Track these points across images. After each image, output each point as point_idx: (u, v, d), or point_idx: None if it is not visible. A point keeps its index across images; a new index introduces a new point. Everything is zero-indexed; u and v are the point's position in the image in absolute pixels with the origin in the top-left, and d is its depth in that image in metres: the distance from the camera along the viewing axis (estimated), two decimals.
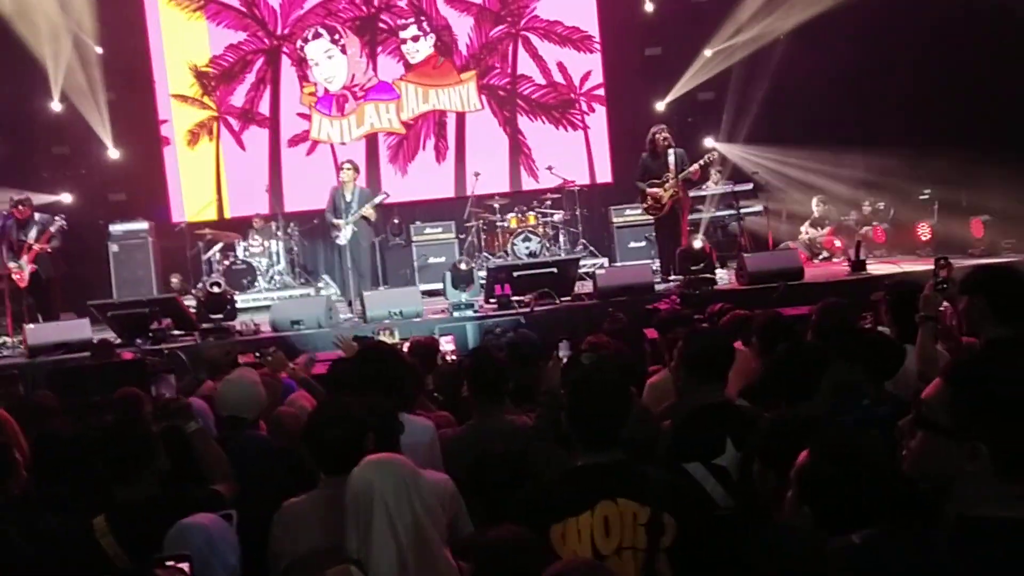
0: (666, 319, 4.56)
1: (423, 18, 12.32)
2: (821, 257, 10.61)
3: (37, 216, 8.89)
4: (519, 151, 12.44)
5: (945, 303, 4.01)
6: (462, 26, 12.39)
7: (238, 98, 12.23)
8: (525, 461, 2.66)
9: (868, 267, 8.53)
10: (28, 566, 2.50)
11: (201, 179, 12.18)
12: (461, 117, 12.47)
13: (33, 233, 8.74)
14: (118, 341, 7.70)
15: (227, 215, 12.01)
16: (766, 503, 2.40)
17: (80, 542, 2.45)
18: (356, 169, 9.35)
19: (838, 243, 10.54)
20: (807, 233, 10.87)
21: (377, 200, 9.11)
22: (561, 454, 2.89)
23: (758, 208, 10.30)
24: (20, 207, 8.76)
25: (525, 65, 12.51)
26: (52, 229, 8.73)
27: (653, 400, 3.89)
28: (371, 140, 12.36)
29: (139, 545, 2.26)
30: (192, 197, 12.13)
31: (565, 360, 3.79)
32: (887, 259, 9.77)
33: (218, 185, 12.17)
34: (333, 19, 12.22)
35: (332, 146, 12.24)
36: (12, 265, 8.70)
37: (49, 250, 8.75)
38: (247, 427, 3.27)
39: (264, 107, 12.30)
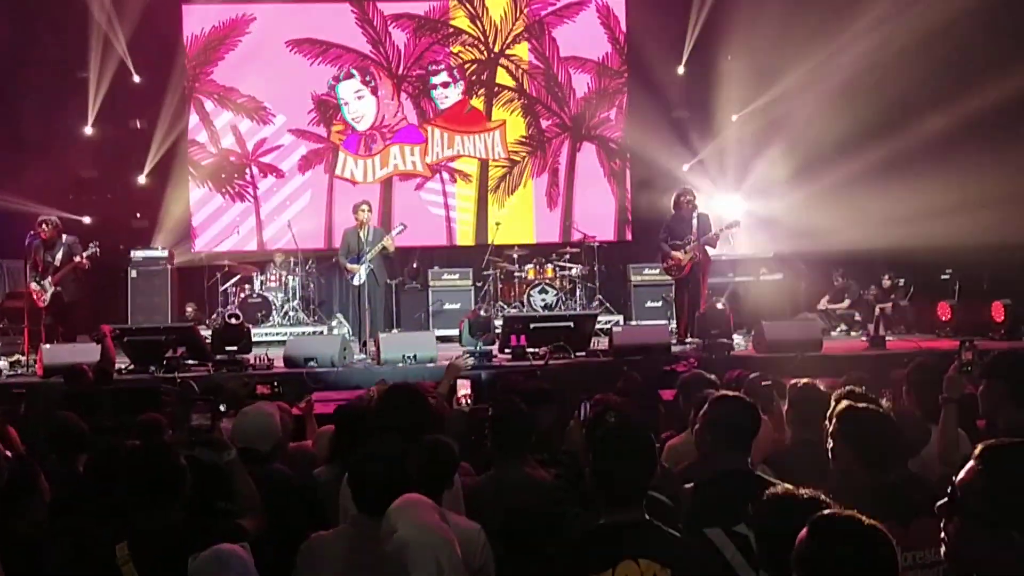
0: (690, 381, 4.50)
1: (454, 67, 12.54)
2: (839, 330, 10.56)
3: (64, 237, 8.92)
4: (541, 204, 12.54)
5: None
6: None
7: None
8: (555, 517, 2.61)
9: (887, 343, 8.46)
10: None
11: (221, 210, 12.30)
12: (485, 164, 12.59)
13: (60, 255, 8.77)
14: (131, 366, 7.70)
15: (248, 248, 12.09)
16: None
17: (108, 563, 2.41)
18: (371, 209, 9.38)
19: (857, 317, 10.49)
20: (826, 304, 10.83)
21: (396, 231, 9.14)
22: (584, 515, 2.85)
23: (778, 276, 10.28)
24: (46, 227, 8.78)
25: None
26: (86, 254, 8.73)
27: (672, 463, 3.83)
28: (387, 183, 12.48)
29: (165, 572, 2.22)
30: (213, 228, 12.23)
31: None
32: (907, 337, 9.70)
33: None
34: (366, 62, 12.45)
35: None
36: (34, 286, 8.70)
37: (85, 265, 8.74)
38: (263, 459, 3.24)
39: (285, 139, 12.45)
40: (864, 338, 9.23)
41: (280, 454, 3.43)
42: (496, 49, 12.56)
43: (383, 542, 2.16)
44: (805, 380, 4.16)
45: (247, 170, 12.34)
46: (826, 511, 1.95)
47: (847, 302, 10.81)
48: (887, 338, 8.69)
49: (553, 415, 4.04)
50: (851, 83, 10.45)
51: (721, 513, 2.90)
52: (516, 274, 11.03)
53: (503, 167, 12.59)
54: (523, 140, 12.61)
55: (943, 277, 10.34)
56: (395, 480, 2.53)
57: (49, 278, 8.71)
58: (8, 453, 3.20)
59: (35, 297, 8.71)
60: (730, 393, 3.36)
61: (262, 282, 10.99)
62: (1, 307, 10.15)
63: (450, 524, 2.23)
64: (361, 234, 8.99)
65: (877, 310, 10.04)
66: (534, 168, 12.59)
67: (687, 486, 3.19)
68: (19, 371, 8.12)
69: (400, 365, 7.66)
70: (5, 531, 2.60)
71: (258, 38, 12.22)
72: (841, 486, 2.68)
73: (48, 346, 7.93)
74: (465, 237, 12.46)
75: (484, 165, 12.58)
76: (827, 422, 3.18)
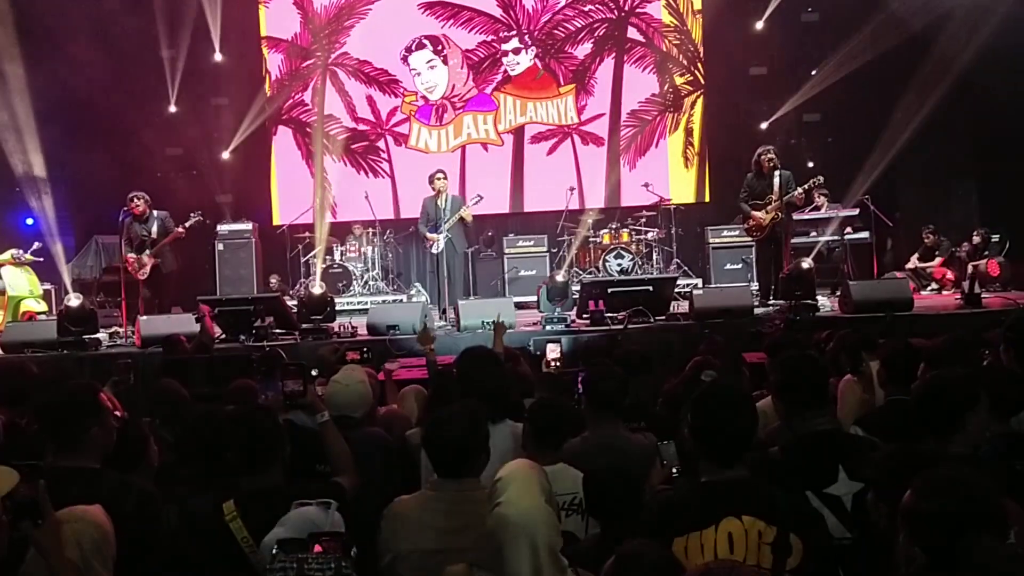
0: (779, 342, 4.42)
1: (525, 32, 12.44)
2: (929, 288, 10.18)
3: (155, 212, 9.25)
4: (614, 167, 12.39)
5: None
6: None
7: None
8: (642, 477, 2.62)
9: (982, 300, 8.12)
10: (169, 535, 2.61)
11: (302, 184, 12.57)
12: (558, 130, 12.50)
13: (154, 228, 9.11)
14: (221, 336, 8.00)
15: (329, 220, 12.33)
16: (882, 536, 2.30)
17: (215, 522, 2.53)
18: (446, 177, 9.44)
19: (949, 275, 10.09)
20: (915, 263, 10.45)
21: (473, 202, 9.21)
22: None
23: (864, 235, 9.95)
24: (137, 202, 9.06)
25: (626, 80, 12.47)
26: (188, 224, 9.08)
27: (759, 425, 3.78)
28: (462, 151, 12.54)
29: (265, 532, 2.31)
30: (294, 201, 12.52)
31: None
32: (1002, 294, 9.29)
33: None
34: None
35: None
36: (132, 257, 9.07)
37: (183, 233, 9.08)
38: (356, 425, 3.33)
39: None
40: (957, 296, 8.88)
41: (371, 418, 3.53)
42: (626, 8, 12.41)
43: (485, 510, 2.19)
44: (899, 340, 4.06)
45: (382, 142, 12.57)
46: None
47: (938, 260, 10.40)
48: (982, 296, 8.33)
49: (650, 383, 4.03)
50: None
51: (811, 475, 2.86)
52: (591, 239, 10.96)
53: (633, 127, 12.44)
54: (654, 97, 12.42)
55: None
56: (468, 443, 2.57)
57: (147, 251, 9.07)
58: (119, 414, 3.38)
59: (130, 269, 9.08)
60: (795, 352, 3.29)
61: (342, 252, 11.21)
62: (99, 281, 10.63)
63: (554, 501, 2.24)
64: (439, 202, 9.07)
65: (970, 267, 9.63)
66: (669, 126, 12.43)
67: (772, 449, 3.16)
68: (118, 342, 8.51)
69: (480, 331, 7.74)
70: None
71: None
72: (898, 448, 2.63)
73: (145, 317, 8.26)
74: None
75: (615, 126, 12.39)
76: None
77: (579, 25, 12.41)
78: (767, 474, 3.03)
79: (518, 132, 12.51)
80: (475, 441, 2.59)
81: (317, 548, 2.02)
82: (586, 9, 12.40)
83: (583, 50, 12.43)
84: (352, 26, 12.45)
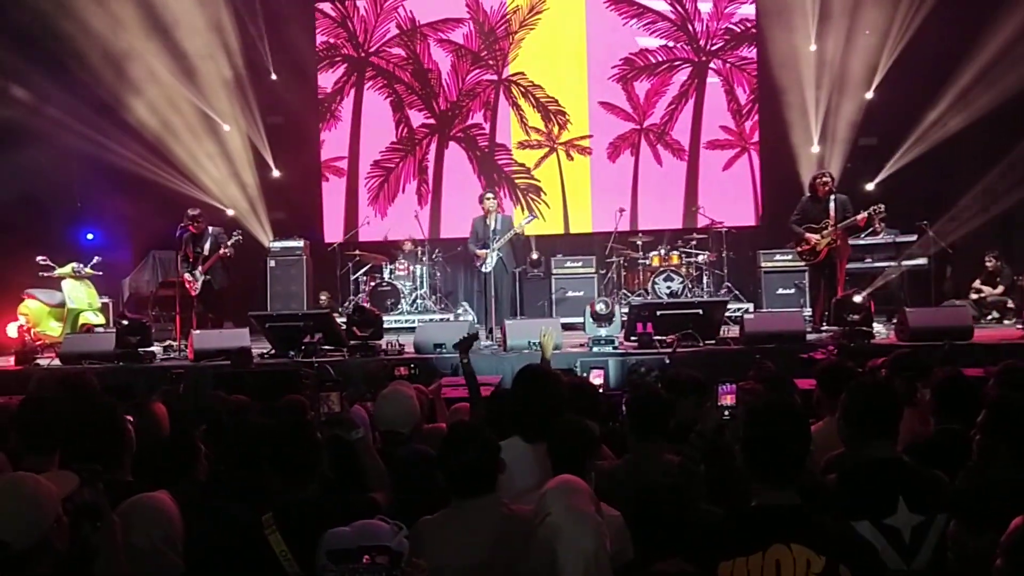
0: (830, 369, 4.32)
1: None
2: (991, 317, 9.87)
3: (211, 229, 9.53)
4: (667, 189, 12.32)
5: None
6: None
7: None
8: (691, 497, 2.57)
9: None
10: (209, 545, 2.63)
11: (353, 203, 12.73)
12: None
13: (207, 246, 9.38)
14: (271, 351, 8.12)
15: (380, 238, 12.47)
16: (962, 569, 2.21)
17: (255, 532, 2.55)
18: (496, 197, 9.48)
19: (1010, 303, 9.77)
20: (979, 291, 10.14)
21: (526, 221, 9.25)
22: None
23: (922, 261, 9.70)
24: (197, 222, 9.39)
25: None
26: (230, 243, 9.32)
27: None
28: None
29: (303, 545, 2.32)
30: (343, 219, 12.68)
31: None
32: None
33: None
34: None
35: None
36: (187, 275, 9.35)
37: (230, 254, 9.30)
38: (404, 440, 3.34)
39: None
40: (1020, 326, 8.59)
41: (419, 434, 3.54)
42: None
43: (535, 523, 2.17)
44: (951, 368, 3.94)
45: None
46: None
47: (1000, 288, 10.09)
48: None
49: (695, 406, 3.96)
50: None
51: (869, 505, 2.78)
52: (640, 261, 10.89)
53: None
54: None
55: None
56: (483, 461, 2.60)
57: (200, 267, 9.31)
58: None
59: (188, 286, 9.33)
60: (869, 379, 3.21)
61: (391, 270, 11.31)
62: (155, 295, 10.89)
63: (602, 513, 2.23)
64: (488, 221, 9.12)
65: None
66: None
67: (830, 476, 3.07)
68: (172, 355, 8.69)
69: (526, 351, 7.72)
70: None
71: None
72: (983, 479, 2.54)
73: (199, 332, 8.45)
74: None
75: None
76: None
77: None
78: (822, 502, 2.95)
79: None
80: (488, 462, 2.62)
81: (366, 559, 2.01)
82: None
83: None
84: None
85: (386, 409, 3.48)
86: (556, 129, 12.44)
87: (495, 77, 12.57)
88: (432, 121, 12.66)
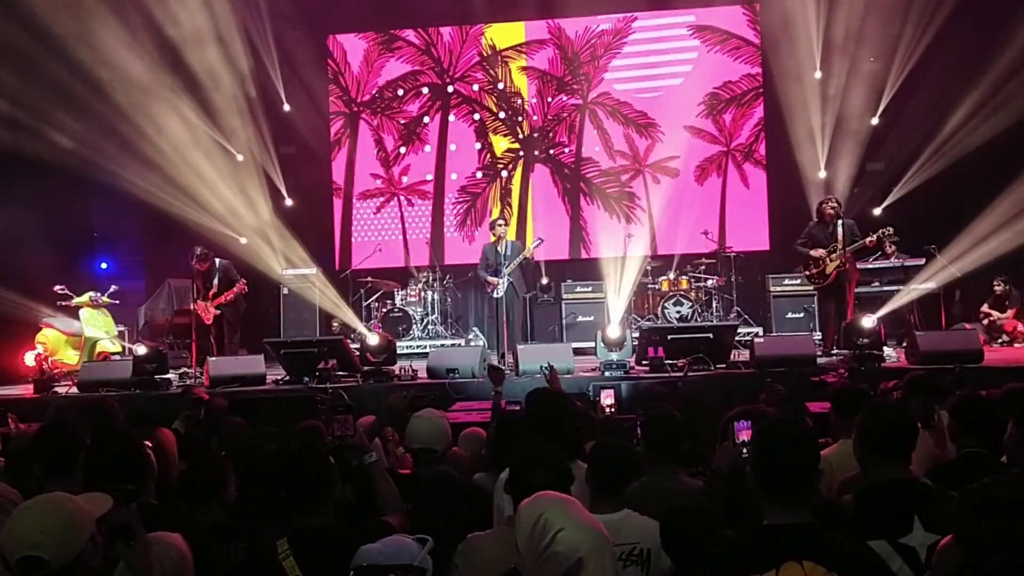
0: (844, 392, 4.36)
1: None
2: (1000, 341, 9.88)
3: (218, 262, 9.64)
4: (675, 214, 12.42)
5: None
6: None
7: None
8: (710, 520, 2.60)
9: None
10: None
11: (367, 230, 12.85)
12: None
13: (216, 280, 9.51)
14: (285, 377, 8.17)
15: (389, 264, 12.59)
16: None
17: (273, 558, 2.57)
18: (507, 224, 9.58)
19: (1020, 327, 9.79)
20: (988, 315, 10.16)
21: (534, 245, 9.32)
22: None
23: (931, 285, 9.74)
24: (202, 261, 9.49)
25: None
26: (234, 290, 9.43)
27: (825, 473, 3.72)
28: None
29: (318, 571, 2.35)
30: (356, 247, 12.81)
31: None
32: None
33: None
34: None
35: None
36: (201, 304, 9.48)
37: (244, 291, 9.44)
38: (437, 460, 3.42)
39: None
40: None
41: (446, 457, 3.62)
42: None
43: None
44: (970, 390, 3.96)
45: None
46: None
47: (1009, 312, 10.10)
48: None
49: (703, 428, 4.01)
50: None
51: (885, 525, 2.82)
52: (649, 286, 10.94)
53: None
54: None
55: None
56: (555, 481, 2.57)
57: (210, 301, 9.45)
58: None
59: (202, 315, 9.43)
60: (884, 400, 3.26)
61: (403, 296, 11.40)
62: (170, 323, 10.99)
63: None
64: (499, 248, 9.21)
65: None
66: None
67: (846, 497, 3.11)
68: (187, 382, 8.77)
69: (538, 375, 7.76)
70: (191, 527, 2.81)
71: None
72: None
73: (214, 359, 8.54)
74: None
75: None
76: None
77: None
78: (836, 521, 2.99)
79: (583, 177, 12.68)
80: (563, 482, 2.60)
81: None
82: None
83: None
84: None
85: (421, 427, 3.59)
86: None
87: (580, 101, 12.75)
88: (517, 146, 12.86)
